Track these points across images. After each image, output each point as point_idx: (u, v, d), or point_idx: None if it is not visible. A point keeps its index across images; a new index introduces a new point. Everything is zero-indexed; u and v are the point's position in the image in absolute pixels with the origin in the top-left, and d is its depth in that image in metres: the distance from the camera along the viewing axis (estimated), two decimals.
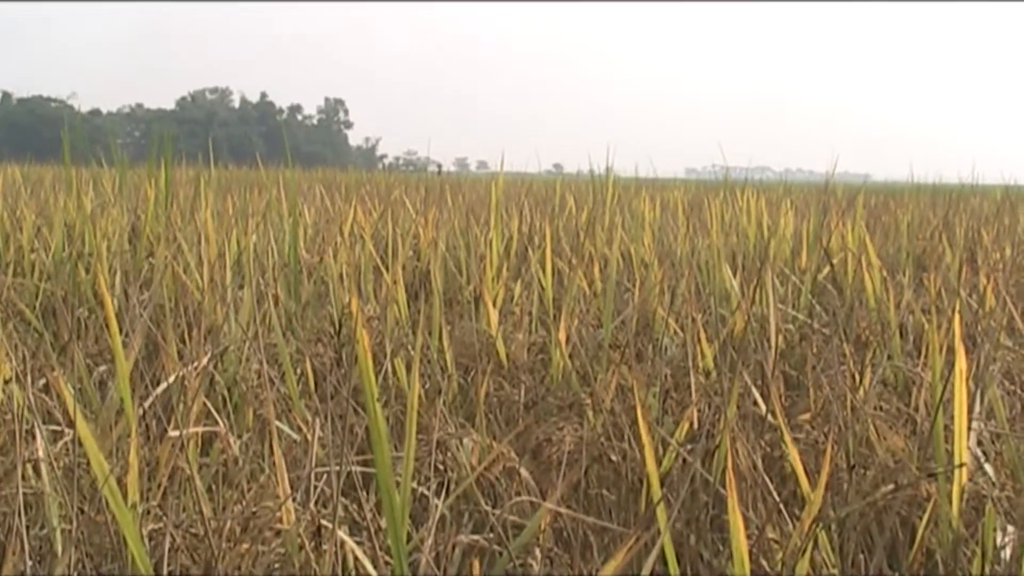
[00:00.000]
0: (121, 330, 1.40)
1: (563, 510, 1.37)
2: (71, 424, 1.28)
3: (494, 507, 1.48)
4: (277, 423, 1.42)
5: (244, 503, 1.24)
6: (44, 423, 1.42)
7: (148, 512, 1.28)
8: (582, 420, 1.81)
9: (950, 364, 1.40)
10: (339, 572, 1.17)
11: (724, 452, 1.42)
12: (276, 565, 1.19)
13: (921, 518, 1.38)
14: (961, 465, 1.33)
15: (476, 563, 1.12)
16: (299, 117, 79.95)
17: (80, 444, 1.15)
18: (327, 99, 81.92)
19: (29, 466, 1.31)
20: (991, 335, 2.07)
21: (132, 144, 63.56)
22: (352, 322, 2.26)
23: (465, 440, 1.64)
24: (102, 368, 2.07)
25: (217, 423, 1.50)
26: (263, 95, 78.64)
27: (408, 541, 1.15)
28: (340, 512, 1.24)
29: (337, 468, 1.20)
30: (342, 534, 1.18)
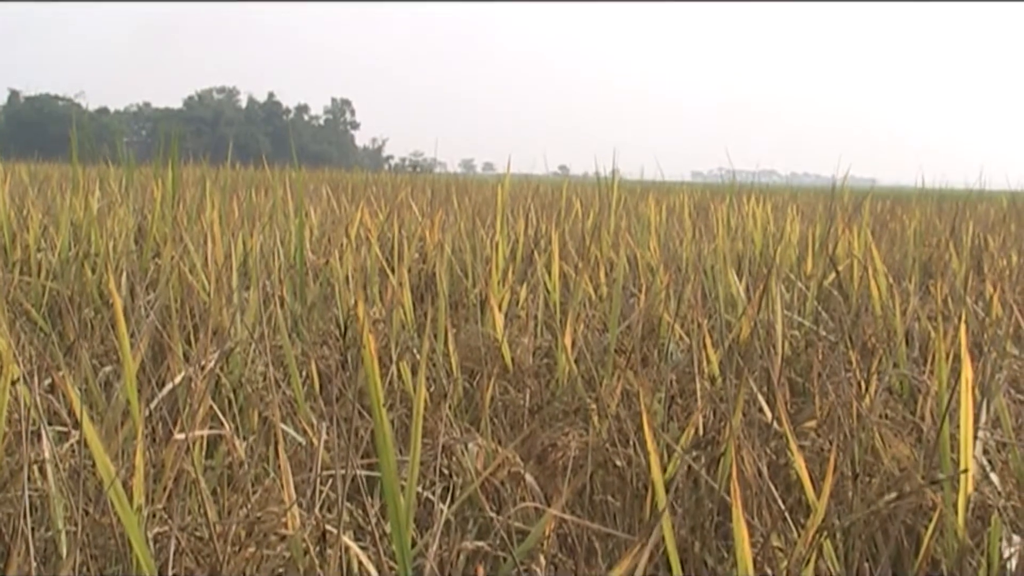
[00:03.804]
0: (127, 331, 1.40)
1: (568, 516, 1.37)
2: (77, 425, 1.29)
3: (499, 512, 1.48)
4: (282, 426, 1.42)
5: (249, 507, 1.24)
6: (50, 424, 1.42)
7: (153, 515, 1.28)
8: (587, 425, 1.81)
9: (956, 373, 1.39)
10: None
11: (729, 459, 1.42)
12: (280, 570, 1.19)
13: (926, 527, 1.37)
14: (965, 471, 1.33)
15: (480, 569, 1.12)
16: (306, 117, 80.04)
17: (86, 445, 1.15)
18: (334, 99, 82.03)
19: (35, 467, 1.31)
20: (997, 343, 2.07)
21: (139, 143, 63.82)
22: (357, 325, 2.26)
23: (470, 445, 1.63)
24: (107, 368, 2.07)
25: (223, 425, 1.50)
26: (270, 95, 78.79)
27: (412, 546, 1.15)
28: (345, 517, 1.24)
29: (342, 472, 1.20)
30: (347, 539, 1.18)
